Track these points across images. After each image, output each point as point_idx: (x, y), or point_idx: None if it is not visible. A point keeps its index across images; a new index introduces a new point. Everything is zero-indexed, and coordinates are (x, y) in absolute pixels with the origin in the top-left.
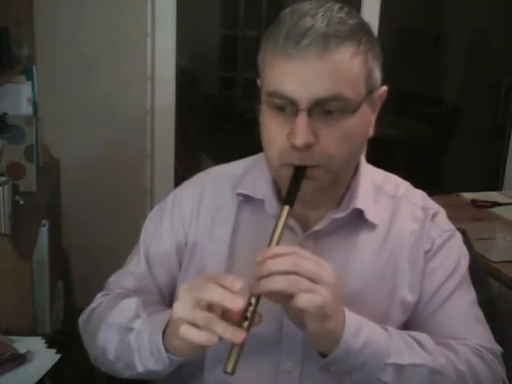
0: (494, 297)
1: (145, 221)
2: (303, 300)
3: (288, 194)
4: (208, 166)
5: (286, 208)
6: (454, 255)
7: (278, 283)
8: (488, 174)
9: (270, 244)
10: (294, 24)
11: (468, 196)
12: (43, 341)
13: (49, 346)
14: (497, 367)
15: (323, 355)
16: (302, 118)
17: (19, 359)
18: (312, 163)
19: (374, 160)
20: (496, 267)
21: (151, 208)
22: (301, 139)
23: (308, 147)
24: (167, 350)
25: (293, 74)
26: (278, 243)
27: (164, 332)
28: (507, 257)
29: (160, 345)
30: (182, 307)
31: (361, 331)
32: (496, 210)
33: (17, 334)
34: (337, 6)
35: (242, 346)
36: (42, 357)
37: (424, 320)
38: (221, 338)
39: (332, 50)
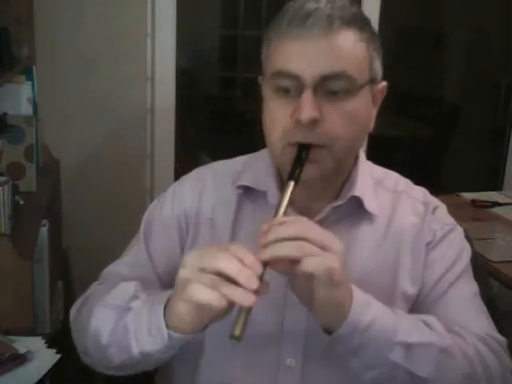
0: (494, 297)
1: None
2: (310, 263)
3: (292, 171)
4: None
5: (291, 183)
6: (455, 247)
7: (285, 248)
8: (488, 173)
9: (274, 217)
10: (298, 8)
11: (468, 196)
12: (43, 341)
13: (49, 346)
14: (503, 356)
15: (329, 334)
16: (307, 94)
17: (19, 359)
18: (316, 142)
19: (374, 159)
20: (496, 267)
21: None
22: (306, 114)
23: (313, 123)
24: (167, 327)
25: (298, 52)
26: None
27: (165, 308)
28: (507, 257)
29: (160, 320)
30: (189, 271)
31: (369, 308)
32: (496, 209)
33: (17, 334)
34: None
35: (249, 310)
36: (42, 357)
37: (426, 310)
38: (229, 304)
39: (336, 30)
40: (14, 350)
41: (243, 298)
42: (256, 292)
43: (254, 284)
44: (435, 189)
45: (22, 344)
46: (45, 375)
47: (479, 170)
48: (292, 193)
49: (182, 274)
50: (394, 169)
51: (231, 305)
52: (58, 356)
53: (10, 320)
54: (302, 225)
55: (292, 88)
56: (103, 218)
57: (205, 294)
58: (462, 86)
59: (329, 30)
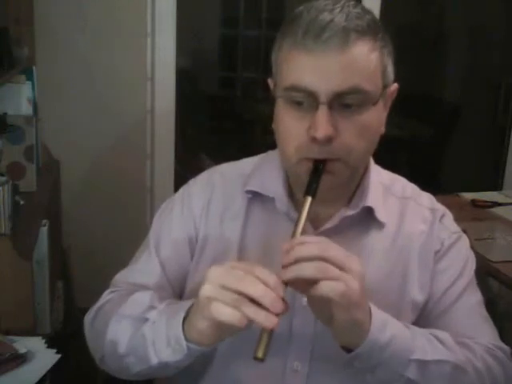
0: (493, 297)
1: (145, 220)
2: (327, 287)
3: (309, 185)
4: (208, 166)
5: (309, 199)
6: (463, 256)
7: (305, 269)
8: (488, 173)
9: (294, 235)
10: (313, 19)
11: (468, 196)
12: (43, 341)
13: (49, 346)
14: (508, 365)
15: (348, 351)
16: (322, 111)
17: (19, 359)
18: (331, 156)
19: (374, 160)
20: (496, 267)
21: (151, 208)
22: (322, 132)
23: (328, 140)
24: (186, 339)
25: (312, 67)
26: (301, 235)
27: (183, 320)
28: (507, 257)
29: (179, 333)
30: (212, 288)
31: (387, 326)
32: (496, 209)
33: (17, 334)
34: (352, 3)
35: (272, 331)
36: (42, 357)
37: (433, 320)
38: (250, 323)
39: (351, 44)
40: (13, 350)
41: (267, 320)
42: (277, 313)
43: (279, 308)
44: (435, 189)
45: (22, 344)
46: (45, 375)
47: (479, 170)
48: (310, 207)
49: (205, 291)
50: (394, 169)
51: (252, 322)
52: (58, 356)
53: (10, 320)
54: (322, 246)
55: (306, 102)
56: (103, 218)
57: (227, 313)
58: (462, 85)
59: (344, 45)
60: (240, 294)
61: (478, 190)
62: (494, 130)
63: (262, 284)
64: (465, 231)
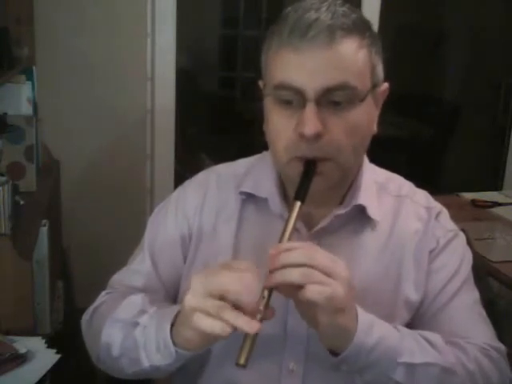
0: (494, 297)
1: (145, 220)
2: (312, 291)
3: (299, 189)
4: (208, 166)
5: (298, 203)
6: (458, 254)
7: (291, 275)
8: (488, 174)
9: (281, 240)
10: (299, 18)
11: (468, 196)
12: (43, 341)
13: (49, 346)
14: (503, 365)
15: (334, 354)
16: (310, 108)
17: (19, 359)
18: (321, 155)
19: (374, 160)
20: (496, 267)
21: (151, 208)
22: (311, 128)
23: (317, 137)
24: (175, 344)
25: (299, 65)
26: (289, 239)
27: (172, 326)
28: (507, 257)
29: (168, 338)
30: (194, 296)
31: (373, 329)
32: (496, 209)
33: (17, 334)
34: (339, 2)
35: (254, 337)
36: (42, 357)
37: (429, 319)
38: (234, 330)
39: (338, 41)
40: (13, 350)
41: (248, 325)
42: (261, 318)
43: (255, 299)
44: (435, 189)
45: (22, 344)
46: (45, 375)
47: (479, 170)
48: (298, 212)
49: (188, 301)
50: (393, 169)
51: (236, 329)
52: (58, 356)
53: (10, 320)
54: (307, 252)
55: (294, 100)
56: (103, 218)
57: (209, 324)
58: (462, 85)
59: (330, 42)
60: (222, 297)
61: (478, 190)
62: (494, 130)
63: (239, 280)
64: (464, 231)
